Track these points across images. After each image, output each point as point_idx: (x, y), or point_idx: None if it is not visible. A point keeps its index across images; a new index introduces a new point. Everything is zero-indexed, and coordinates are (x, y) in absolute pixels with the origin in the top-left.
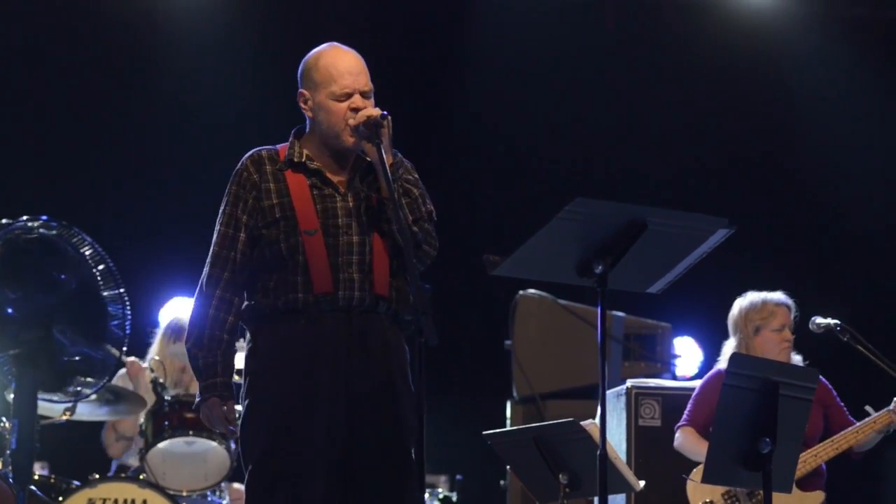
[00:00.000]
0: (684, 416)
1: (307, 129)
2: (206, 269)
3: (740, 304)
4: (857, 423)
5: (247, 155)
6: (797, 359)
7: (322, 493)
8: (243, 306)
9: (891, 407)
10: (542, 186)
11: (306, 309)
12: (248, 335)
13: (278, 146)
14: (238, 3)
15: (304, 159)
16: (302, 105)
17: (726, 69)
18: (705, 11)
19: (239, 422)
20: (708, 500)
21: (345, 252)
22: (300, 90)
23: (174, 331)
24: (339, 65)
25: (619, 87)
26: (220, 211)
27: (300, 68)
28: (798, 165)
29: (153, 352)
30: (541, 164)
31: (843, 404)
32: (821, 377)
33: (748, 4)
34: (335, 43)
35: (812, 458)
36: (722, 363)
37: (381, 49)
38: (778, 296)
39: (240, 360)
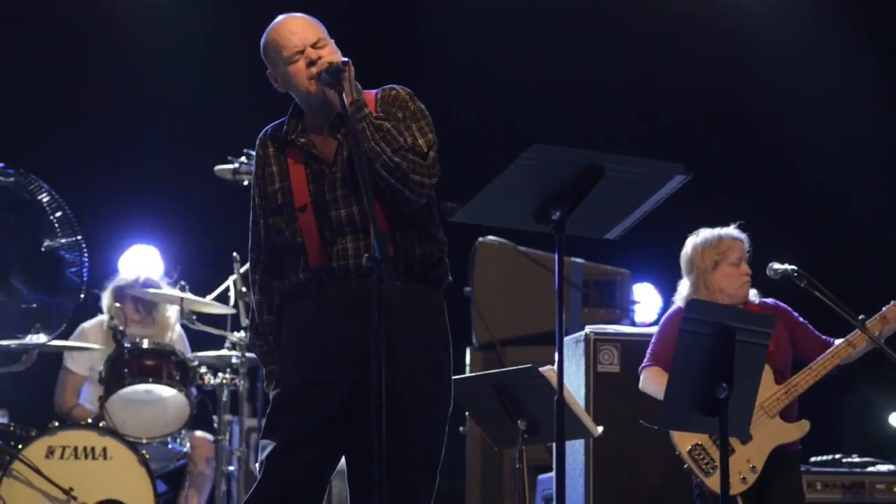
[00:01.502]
0: (647, 357)
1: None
2: (249, 254)
3: (694, 241)
4: (832, 348)
5: (260, 134)
6: (754, 292)
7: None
8: (278, 296)
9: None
10: (500, 135)
11: (309, 285)
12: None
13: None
14: None
15: (293, 136)
16: (274, 85)
17: (683, 21)
18: None
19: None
20: (697, 443)
21: (337, 225)
22: (268, 72)
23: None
24: (283, 30)
25: (576, 39)
26: None
27: (261, 52)
28: (754, 114)
29: (105, 302)
30: (499, 113)
31: (805, 321)
32: (776, 302)
33: None
34: (281, 15)
35: (793, 388)
36: (679, 301)
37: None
38: (732, 230)
39: None
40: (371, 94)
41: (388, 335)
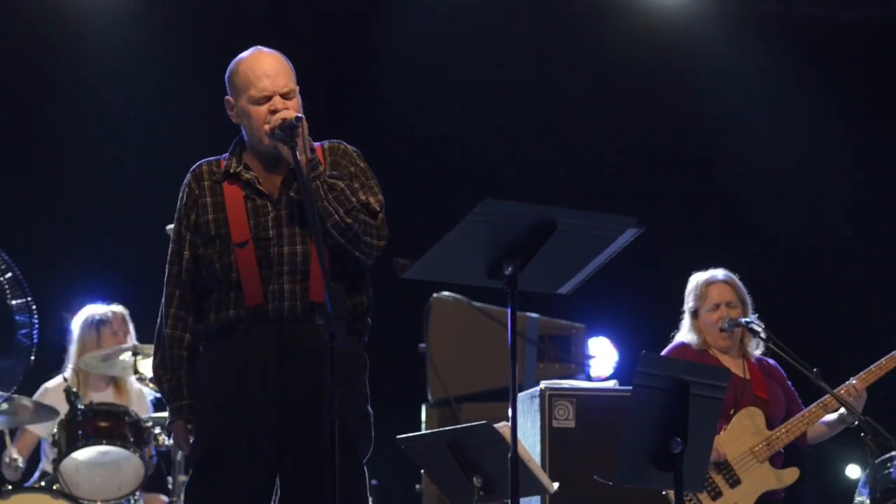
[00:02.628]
0: None
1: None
2: (164, 289)
3: (689, 282)
4: (810, 407)
5: (191, 169)
6: (753, 343)
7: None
8: (193, 335)
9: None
10: (452, 185)
11: (238, 323)
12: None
13: (222, 157)
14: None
15: (239, 169)
16: (229, 112)
17: (638, 66)
18: (616, 8)
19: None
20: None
21: (276, 263)
22: (226, 97)
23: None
24: (257, 68)
25: (530, 84)
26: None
27: (226, 75)
28: (709, 162)
29: (75, 352)
30: (453, 164)
31: (794, 391)
32: (776, 364)
33: (659, 1)
34: (259, 47)
35: (785, 433)
36: (681, 337)
37: (292, 46)
38: (712, 274)
39: None
40: (318, 146)
41: (321, 384)
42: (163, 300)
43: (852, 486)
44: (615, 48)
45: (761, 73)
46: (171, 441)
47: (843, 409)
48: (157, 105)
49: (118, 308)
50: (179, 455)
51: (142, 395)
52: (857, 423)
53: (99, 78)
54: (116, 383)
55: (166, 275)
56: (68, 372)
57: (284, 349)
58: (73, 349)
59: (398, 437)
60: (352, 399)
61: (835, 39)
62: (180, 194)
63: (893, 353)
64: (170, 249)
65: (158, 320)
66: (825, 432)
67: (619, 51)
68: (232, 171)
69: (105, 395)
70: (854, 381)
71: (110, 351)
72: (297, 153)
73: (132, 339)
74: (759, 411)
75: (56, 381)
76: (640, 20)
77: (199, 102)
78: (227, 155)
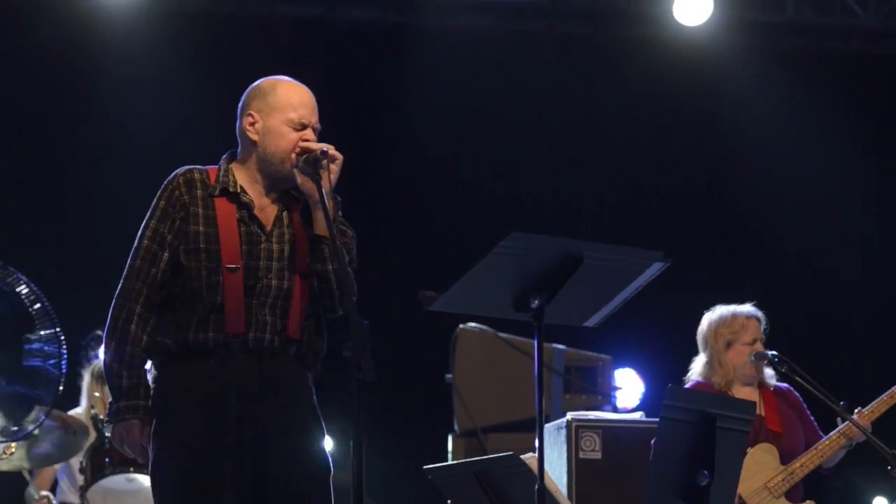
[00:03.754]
0: None
1: (239, 155)
2: (124, 282)
3: (709, 318)
4: (830, 434)
5: (178, 171)
6: (769, 372)
7: None
8: (151, 338)
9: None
10: (479, 220)
11: (216, 349)
12: (151, 364)
13: (207, 168)
14: (170, 32)
15: (237, 190)
16: (247, 126)
17: (665, 102)
18: (644, 45)
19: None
20: None
21: (262, 294)
22: (249, 111)
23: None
24: (299, 96)
25: (557, 120)
26: (145, 224)
27: (251, 90)
28: (736, 197)
29: (86, 390)
30: (478, 198)
31: (810, 415)
32: (789, 388)
33: (687, 38)
34: (290, 78)
35: (799, 468)
36: (695, 375)
37: (318, 78)
38: (748, 308)
39: None
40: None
41: (299, 418)
42: (123, 293)
43: None
44: (641, 83)
45: (788, 108)
46: (113, 440)
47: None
48: (184, 136)
49: None
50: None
51: None
52: (853, 444)
53: (123, 118)
54: None
55: (132, 269)
56: (85, 402)
57: (262, 381)
58: (87, 380)
59: (425, 467)
60: (319, 432)
61: (862, 75)
62: (164, 192)
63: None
64: (140, 244)
65: (115, 312)
66: (834, 456)
67: (646, 86)
68: (231, 189)
69: None
70: (862, 412)
71: None
72: (322, 184)
73: None
74: (771, 447)
75: (75, 411)
76: (667, 56)
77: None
78: (213, 168)
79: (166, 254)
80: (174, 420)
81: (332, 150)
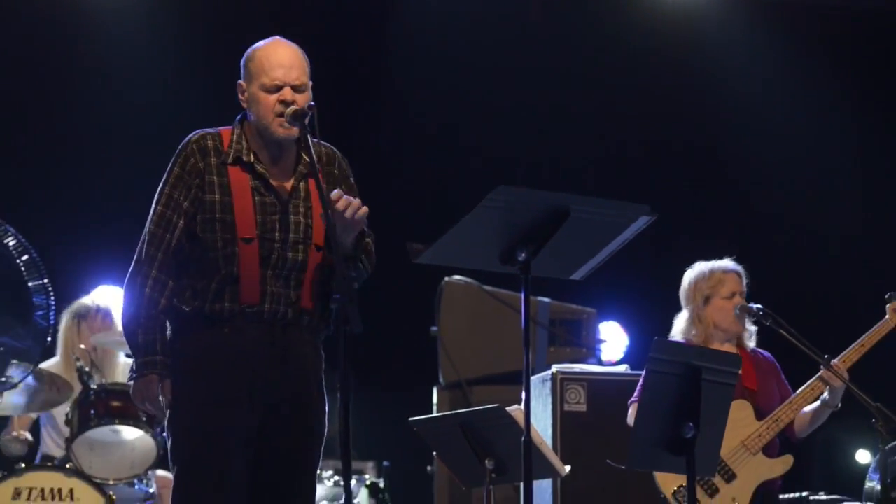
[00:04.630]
0: (637, 392)
1: (248, 119)
2: (142, 245)
3: (689, 275)
4: (807, 383)
5: (191, 137)
6: (751, 331)
7: (236, 494)
8: (169, 301)
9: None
10: (465, 173)
11: (232, 318)
12: (170, 325)
13: (220, 129)
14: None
15: (251, 159)
16: (240, 96)
17: (649, 57)
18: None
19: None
20: (682, 485)
21: (277, 265)
22: (239, 81)
23: (89, 315)
24: (273, 57)
25: (543, 74)
26: (160, 190)
27: (242, 60)
28: (721, 152)
29: (61, 341)
30: (465, 151)
31: (787, 384)
32: (771, 357)
33: None
34: (278, 37)
35: (774, 423)
36: (676, 332)
37: (303, 39)
38: (726, 263)
39: None
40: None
41: (305, 387)
42: (140, 258)
43: (862, 471)
44: (627, 39)
45: (773, 63)
46: (133, 397)
47: (825, 394)
48: (169, 95)
49: (104, 298)
50: (164, 403)
51: None
52: (839, 405)
53: (113, 69)
54: (102, 365)
55: (149, 234)
56: (60, 350)
57: (274, 352)
58: (60, 336)
59: (410, 419)
60: (321, 402)
61: (847, 29)
62: (178, 158)
63: (874, 328)
64: (155, 210)
65: (132, 276)
66: (810, 421)
67: (631, 42)
68: (244, 158)
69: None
70: (836, 361)
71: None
72: (309, 139)
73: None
74: (746, 403)
75: (52, 362)
76: (652, 11)
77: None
78: (226, 129)
79: (182, 221)
80: (188, 383)
81: (342, 201)
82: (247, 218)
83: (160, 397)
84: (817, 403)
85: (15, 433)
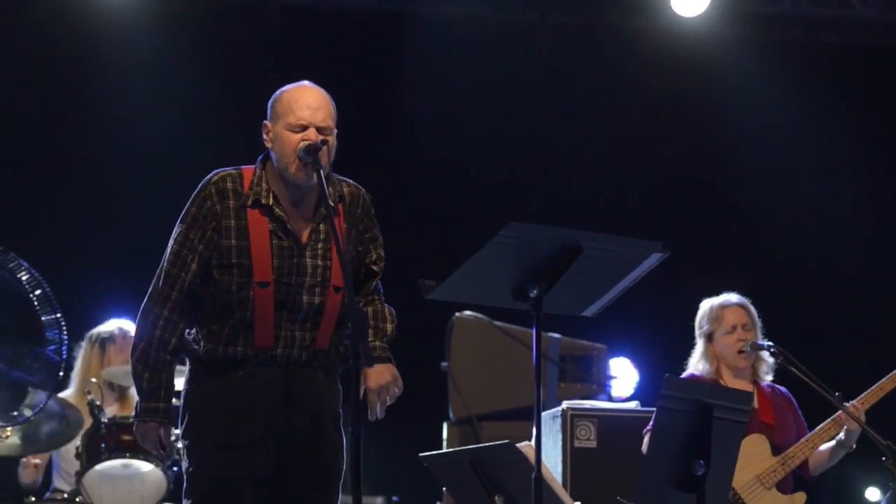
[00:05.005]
0: (652, 421)
1: (272, 161)
2: (156, 284)
3: (700, 309)
4: (823, 424)
5: (212, 178)
6: (766, 367)
7: None
8: (185, 338)
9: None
10: (478, 210)
11: (245, 361)
12: (187, 364)
13: (242, 168)
14: (172, 21)
15: (270, 202)
16: (264, 136)
17: (661, 92)
18: (640, 35)
19: (181, 452)
20: None
21: (294, 309)
22: (265, 122)
23: (107, 340)
24: (301, 98)
25: (555, 110)
26: (177, 228)
27: (270, 102)
28: (732, 188)
29: (80, 370)
30: (476, 186)
31: (804, 420)
32: (787, 392)
33: (683, 29)
34: (307, 82)
35: (791, 458)
36: (690, 366)
37: (317, 71)
38: (727, 297)
39: (178, 382)
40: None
41: (318, 426)
42: (153, 296)
43: None
44: (638, 74)
45: (783, 100)
46: (136, 437)
47: (841, 435)
48: (179, 123)
49: (125, 325)
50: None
51: None
52: (854, 447)
53: (124, 106)
54: (122, 398)
55: (164, 273)
56: (75, 383)
57: (288, 393)
58: (85, 357)
59: (420, 454)
60: (338, 439)
61: (858, 67)
62: (196, 199)
63: (893, 373)
64: (171, 249)
65: (144, 315)
66: (825, 460)
67: (642, 76)
68: (263, 202)
69: (112, 410)
70: (854, 403)
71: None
72: (323, 176)
73: None
74: (763, 438)
75: (66, 394)
76: (663, 47)
77: (219, 118)
78: (247, 169)
79: (195, 263)
80: (202, 425)
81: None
82: (264, 262)
83: (159, 443)
84: (832, 443)
85: (27, 459)
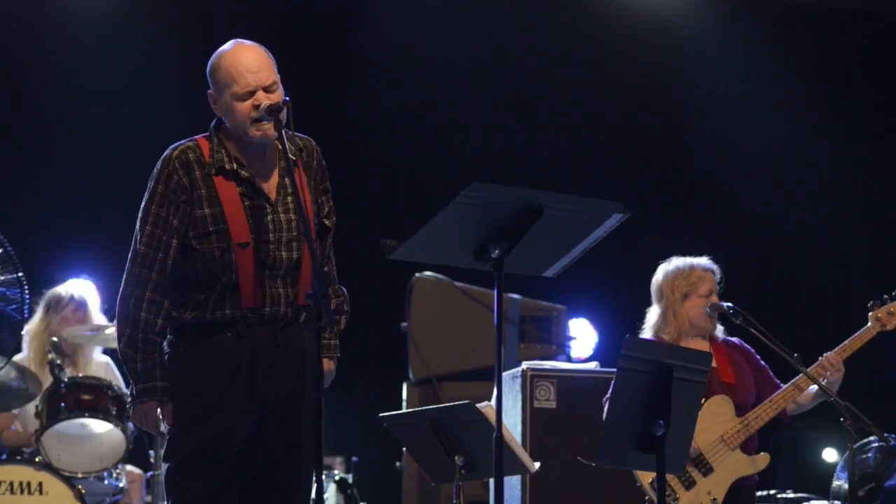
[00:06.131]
0: (611, 390)
1: (224, 125)
2: (132, 268)
3: (665, 270)
4: (784, 386)
5: (171, 153)
6: (720, 329)
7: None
8: (167, 317)
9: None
10: (439, 169)
11: (234, 323)
12: (168, 329)
13: (197, 139)
14: None
15: (234, 167)
16: (212, 105)
17: (622, 51)
18: None
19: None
20: None
21: (274, 266)
22: (209, 91)
23: (62, 305)
24: (240, 64)
25: (515, 68)
26: (144, 208)
27: (208, 68)
28: (693, 147)
29: (34, 329)
30: (438, 146)
31: (766, 365)
32: (741, 342)
33: None
34: (239, 40)
35: (754, 419)
36: (648, 328)
37: (277, 30)
38: (704, 261)
39: None
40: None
41: (301, 383)
42: (131, 280)
43: (830, 469)
44: (599, 33)
45: (744, 58)
46: (133, 421)
47: (822, 382)
48: (138, 89)
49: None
50: (164, 428)
51: (109, 367)
52: (833, 399)
53: (83, 65)
54: (75, 360)
55: (139, 256)
56: (27, 347)
57: (275, 351)
58: (39, 317)
59: (380, 414)
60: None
61: (817, 26)
62: (161, 176)
63: (856, 334)
64: (144, 231)
65: (125, 299)
66: (804, 404)
67: (603, 36)
68: (227, 167)
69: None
70: (830, 355)
71: (97, 325)
72: (285, 136)
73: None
74: (727, 399)
75: (22, 355)
76: (626, 5)
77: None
78: (201, 138)
79: (174, 240)
80: (190, 385)
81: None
82: (240, 224)
83: (161, 421)
84: (813, 389)
85: None
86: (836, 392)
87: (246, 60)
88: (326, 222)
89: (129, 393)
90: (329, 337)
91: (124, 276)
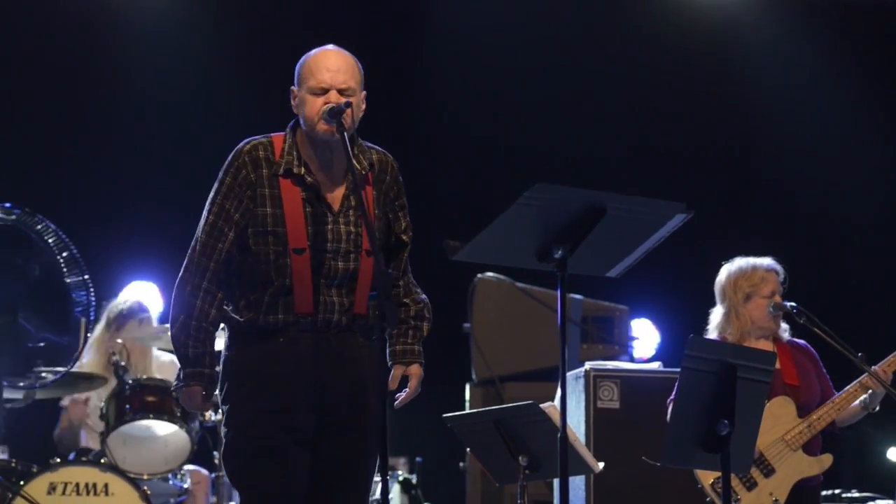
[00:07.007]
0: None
1: (301, 127)
2: (192, 255)
3: (728, 270)
4: (849, 386)
5: (243, 147)
6: (784, 326)
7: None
8: (224, 308)
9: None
10: (503, 170)
11: (286, 328)
12: (226, 330)
13: (272, 136)
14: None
15: (302, 171)
16: (292, 101)
17: (684, 53)
18: None
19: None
20: (720, 477)
21: (329, 275)
22: (292, 87)
23: (124, 318)
24: (321, 62)
25: (578, 73)
26: (211, 199)
27: (296, 67)
28: (755, 148)
29: (97, 338)
30: (502, 149)
31: (826, 373)
32: (807, 344)
33: None
34: (332, 45)
35: (817, 420)
36: (712, 328)
37: (341, 38)
38: (767, 261)
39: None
40: (367, 148)
41: (358, 389)
42: (191, 267)
43: (894, 469)
44: (661, 35)
45: (804, 58)
46: (181, 401)
47: (865, 397)
48: (202, 96)
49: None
50: (210, 416)
51: (174, 366)
52: (877, 408)
53: (148, 72)
54: (139, 360)
55: (200, 244)
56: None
57: (329, 359)
58: (101, 327)
59: (444, 415)
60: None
61: (878, 25)
62: (230, 168)
63: None
64: (206, 220)
65: (181, 286)
66: (849, 417)
67: (666, 40)
68: (295, 171)
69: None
70: (881, 366)
71: (160, 327)
72: (347, 138)
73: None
74: (789, 400)
75: (90, 358)
76: (687, 7)
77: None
78: (278, 136)
79: (232, 232)
80: (244, 390)
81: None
82: (298, 229)
83: (203, 406)
84: (857, 403)
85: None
86: None
87: (328, 59)
88: (403, 237)
89: (177, 376)
90: (412, 343)
91: (185, 261)
